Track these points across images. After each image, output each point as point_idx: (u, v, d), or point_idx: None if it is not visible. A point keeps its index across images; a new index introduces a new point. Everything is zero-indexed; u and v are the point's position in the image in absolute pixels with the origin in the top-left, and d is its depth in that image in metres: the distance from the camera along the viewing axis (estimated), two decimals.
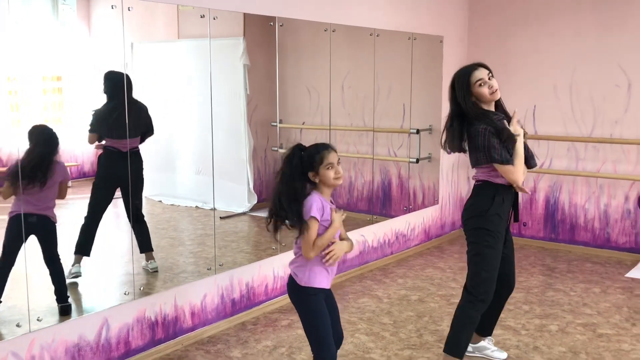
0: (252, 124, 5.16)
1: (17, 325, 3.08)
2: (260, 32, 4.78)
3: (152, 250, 4.05)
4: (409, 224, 5.90)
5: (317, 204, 2.69)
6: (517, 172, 3.20)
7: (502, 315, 4.28)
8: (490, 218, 3.25)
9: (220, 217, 4.76)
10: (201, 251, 4.51)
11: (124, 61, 3.73)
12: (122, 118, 3.72)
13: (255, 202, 5.19)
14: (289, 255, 4.72)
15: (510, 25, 6.21)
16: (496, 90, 3.21)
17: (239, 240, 4.91)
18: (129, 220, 3.88)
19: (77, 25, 4.00)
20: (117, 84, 3.72)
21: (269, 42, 4.64)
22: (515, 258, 5.63)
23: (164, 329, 3.72)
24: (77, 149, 4.27)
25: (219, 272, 4.08)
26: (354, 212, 5.75)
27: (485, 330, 3.62)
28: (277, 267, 4.51)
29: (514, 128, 3.24)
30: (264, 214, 5.54)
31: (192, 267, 4.35)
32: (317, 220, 2.68)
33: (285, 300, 4.55)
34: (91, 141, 3.86)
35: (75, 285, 3.81)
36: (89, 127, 3.82)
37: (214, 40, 4.11)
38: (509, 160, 3.17)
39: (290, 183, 2.70)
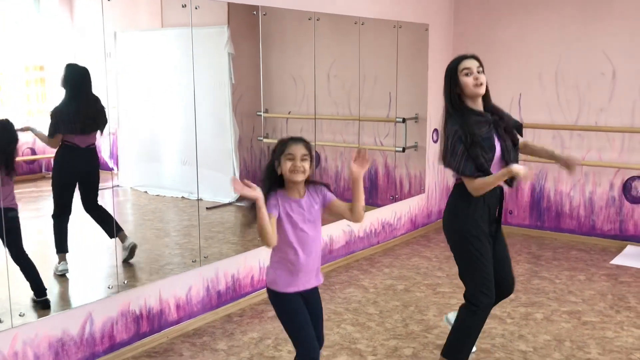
0: (238, 113, 5.12)
1: None
2: (245, 20, 4.73)
3: (122, 229, 3.97)
4: (395, 213, 5.90)
5: (271, 201, 2.59)
6: (476, 187, 2.97)
7: None
8: (469, 221, 3.06)
9: (207, 208, 4.73)
10: (187, 242, 4.48)
11: (105, 50, 3.67)
12: (81, 113, 3.70)
13: None
14: None
15: (496, 13, 6.19)
16: (481, 84, 3.02)
17: (225, 231, 4.88)
18: (85, 210, 3.85)
19: (59, 14, 3.94)
20: (77, 77, 3.66)
21: (253, 31, 4.59)
22: None
23: (149, 322, 3.70)
24: None
25: (204, 264, 4.05)
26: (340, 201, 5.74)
27: None
28: (263, 258, 4.49)
29: (515, 170, 2.87)
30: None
31: (178, 258, 4.33)
32: (272, 214, 2.57)
33: None
34: (56, 144, 3.71)
35: (57, 279, 3.78)
36: (49, 130, 3.68)
37: (198, 29, 4.06)
38: (466, 173, 2.96)
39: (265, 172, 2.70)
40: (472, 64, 3.06)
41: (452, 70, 3.09)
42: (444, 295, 4.51)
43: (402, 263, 5.31)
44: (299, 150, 2.60)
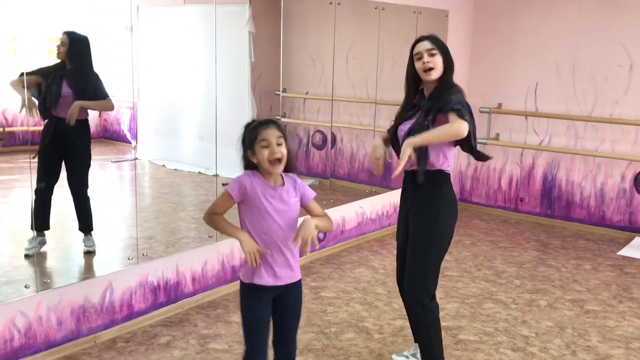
0: (256, 92, 5.21)
1: (25, 286, 3.20)
2: (266, 0, 4.80)
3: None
4: None
5: (239, 181, 2.39)
6: None
7: (493, 289, 4.44)
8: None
9: (223, 184, 4.84)
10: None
11: (130, 23, 3.76)
12: None
13: None
14: None
15: (516, 2, 6.19)
16: (429, 69, 2.88)
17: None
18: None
19: None
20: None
21: (274, 11, 4.67)
22: (511, 233, 5.81)
23: (166, 293, 3.84)
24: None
25: (220, 239, 4.18)
26: (354, 182, 5.85)
27: None
28: None
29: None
30: None
31: (194, 232, 4.46)
32: (230, 194, 2.38)
33: None
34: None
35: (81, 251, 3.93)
36: (108, 94, 3.87)
37: (219, 6, 4.13)
38: None
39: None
40: (422, 47, 2.92)
41: (409, 56, 2.99)
42: (450, 279, 4.62)
43: None
44: (273, 134, 2.35)
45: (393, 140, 3.11)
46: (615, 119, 5.71)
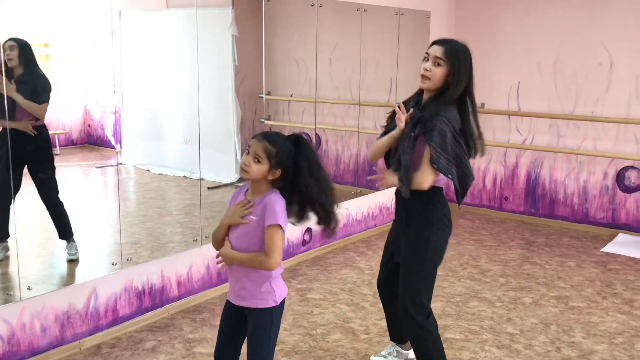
0: (240, 95, 5.21)
1: (8, 294, 3.18)
2: (249, 3, 4.81)
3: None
4: (393, 197, 6.00)
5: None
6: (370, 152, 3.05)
7: (478, 287, 4.47)
8: None
9: (208, 188, 4.84)
10: (188, 221, 4.60)
11: (112, 28, 3.76)
12: None
13: None
14: None
15: (497, 2, 6.25)
16: (425, 76, 2.73)
17: (225, 211, 4.99)
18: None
19: None
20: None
21: (257, 14, 4.66)
22: (496, 232, 5.85)
23: (151, 298, 3.83)
24: (65, 116, 4.32)
25: (205, 243, 4.17)
26: (340, 184, 5.86)
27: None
28: None
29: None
30: None
31: (179, 237, 4.45)
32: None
33: None
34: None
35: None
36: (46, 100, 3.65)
37: (202, 10, 4.13)
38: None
39: None
40: (432, 50, 2.75)
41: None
42: (436, 278, 4.62)
43: None
44: (254, 146, 2.37)
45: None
46: (596, 117, 5.77)
